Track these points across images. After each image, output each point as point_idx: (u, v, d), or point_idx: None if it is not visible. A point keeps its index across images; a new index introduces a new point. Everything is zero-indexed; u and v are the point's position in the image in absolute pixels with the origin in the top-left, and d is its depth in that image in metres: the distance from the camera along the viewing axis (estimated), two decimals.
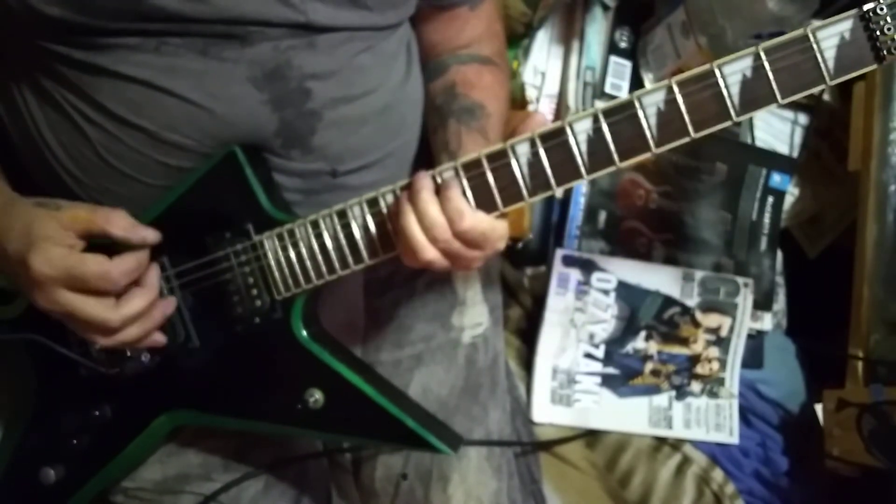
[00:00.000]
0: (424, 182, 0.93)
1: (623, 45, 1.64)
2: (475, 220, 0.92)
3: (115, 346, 1.00)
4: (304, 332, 1.03)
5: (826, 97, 1.74)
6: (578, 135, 0.90)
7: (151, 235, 0.99)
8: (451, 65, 1.18)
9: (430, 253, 0.92)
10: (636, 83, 1.63)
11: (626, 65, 1.64)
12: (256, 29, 0.98)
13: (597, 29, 1.62)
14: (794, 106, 1.72)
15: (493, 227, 0.93)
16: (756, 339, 1.70)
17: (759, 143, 1.74)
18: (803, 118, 1.76)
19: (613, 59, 1.62)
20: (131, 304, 0.97)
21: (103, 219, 0.96)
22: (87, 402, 1.09)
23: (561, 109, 1.63)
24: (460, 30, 1.19)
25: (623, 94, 1.62)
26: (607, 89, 1.62)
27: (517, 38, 1.65)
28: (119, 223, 0.97)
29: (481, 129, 1.09)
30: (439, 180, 0.94)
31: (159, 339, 1.03)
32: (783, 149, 1.75)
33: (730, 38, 1.46)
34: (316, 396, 1.03)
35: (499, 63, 1.22)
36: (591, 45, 1.62)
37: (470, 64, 1.19)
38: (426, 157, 1.24)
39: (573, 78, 1.62)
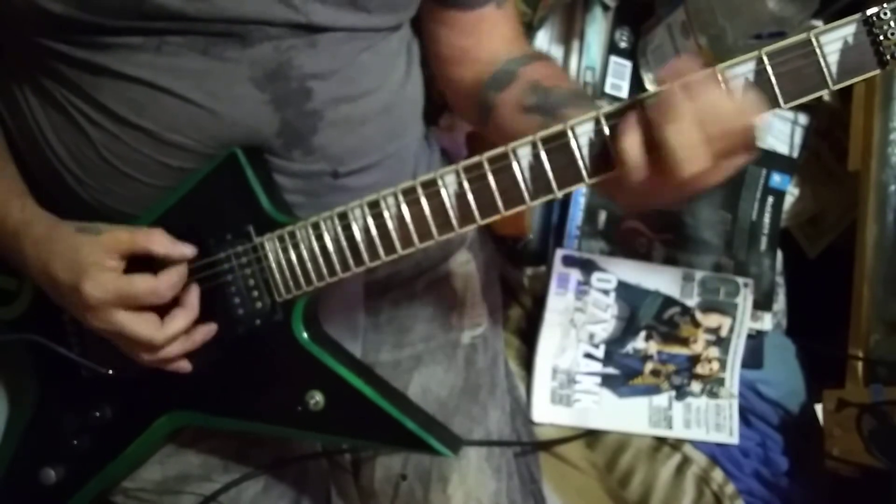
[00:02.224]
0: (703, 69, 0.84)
1: (623, 45, 1.63)
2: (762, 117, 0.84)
3: (156, 364, 1.03)
4: (305, 334, 1.03)
5: (826, 97, 1.74)
6: (580, 137, 0.90)
7: (189, 250, 1.01)
8: (516, 69, 1.13)
9: (701, 160, 0.82)
10: (636, 83, 1.63)
11: (626, 65, 1.63)
12: (257, 28, 0.97)
13: (597, 29, 1.62)
14: (795, 106, 1.71)
15: None
16: (756, 339, 1.70)
17: (758, 143, 1.74)
18: (803, 118, 1.75)
19: (613, 59, 1.62)
20: (175, 324, 1.00)
21: (144, 238, 0.99)
22: (87, 403, 1.09)
23: None
24: (490, 32, 1.16)
25: (623, 95, 1.62)
26: (607, 89, 1.61)
27: None
28: (159, 241, 1.00)
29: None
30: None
31: (184, 367, 1.05)
32: (783, 149, 1.75)
33: (730, 39, 1.46)
34: (316, 398, 1.03)
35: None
36: (591, 45, 1.61)
37: (535, 62, 1.14)
38: (426, 159, 1.25)
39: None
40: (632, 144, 0.85)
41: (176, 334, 1.00)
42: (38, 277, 1.01)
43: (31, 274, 1.02)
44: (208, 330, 1.04)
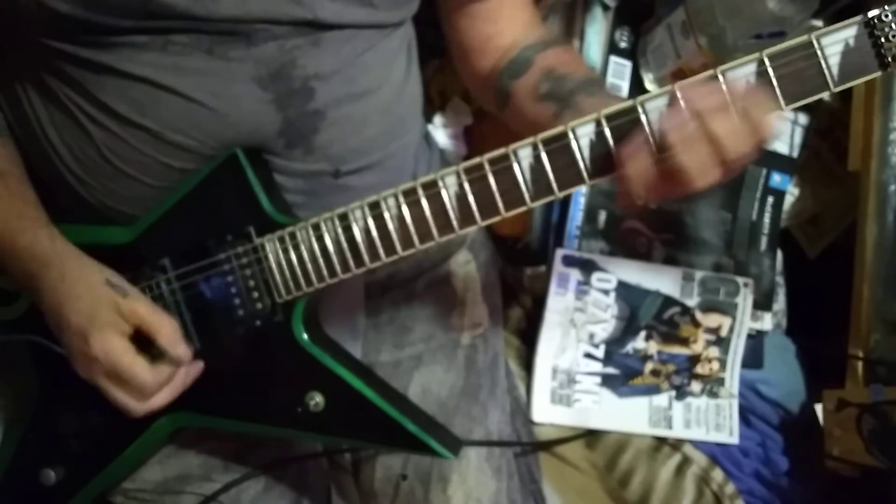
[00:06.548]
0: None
1: (623, 45, 1.63)
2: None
3: None
4: (305, 335, 1.03)
5: (826, 97, 1.73)
6: (581, 139, 0.90)
7: (186, 358, 1.02)
8: (532, 55, 1.13)
9: (713, 174, 0.85)
10: (636, 83, 1.63)
11: (626, 65, 1.63)
12: (262, 27, 0.98)
13: (597, 29, 1.62)
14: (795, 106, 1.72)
15: None
16: (756, 339, 1.70)
17: (768, 140, 1.74)
18: (803, 118, 1.75)
19: (613, 59, 1.62)
20: (156, 401, 1.01)
21: (156, 325, 1.00)
22: (87, 404, 1.09)
23: None
24: (511, 17, 1.16)
25: (623, 95, 1.61)
26: None
27: None
28: (167, 335, 1.00)
29: (611, 95, 1.05)
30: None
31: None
32: (783, 149, 1.74)
33: (730, 39, 1.45)
34: (316, 399, 1.03)
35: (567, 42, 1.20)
36: (591, 45, 1.61)
37: (551, 48, 1.14)
38: (426, 158, 1.25)
39: None
40: (637, 167, 0.86)
41: (154, 409, 1.02)
42: (46, 307, 1.01)
43: (41, 302, 1.02)
44: (194, 372, 1.05)
